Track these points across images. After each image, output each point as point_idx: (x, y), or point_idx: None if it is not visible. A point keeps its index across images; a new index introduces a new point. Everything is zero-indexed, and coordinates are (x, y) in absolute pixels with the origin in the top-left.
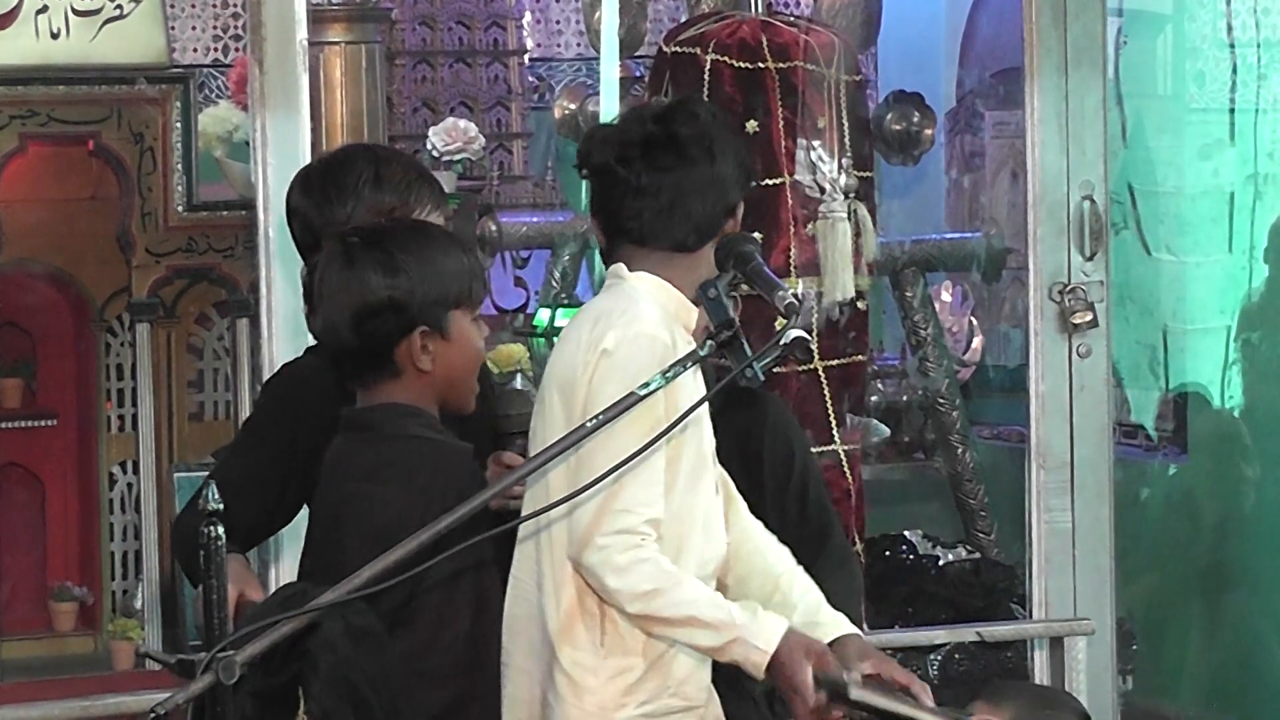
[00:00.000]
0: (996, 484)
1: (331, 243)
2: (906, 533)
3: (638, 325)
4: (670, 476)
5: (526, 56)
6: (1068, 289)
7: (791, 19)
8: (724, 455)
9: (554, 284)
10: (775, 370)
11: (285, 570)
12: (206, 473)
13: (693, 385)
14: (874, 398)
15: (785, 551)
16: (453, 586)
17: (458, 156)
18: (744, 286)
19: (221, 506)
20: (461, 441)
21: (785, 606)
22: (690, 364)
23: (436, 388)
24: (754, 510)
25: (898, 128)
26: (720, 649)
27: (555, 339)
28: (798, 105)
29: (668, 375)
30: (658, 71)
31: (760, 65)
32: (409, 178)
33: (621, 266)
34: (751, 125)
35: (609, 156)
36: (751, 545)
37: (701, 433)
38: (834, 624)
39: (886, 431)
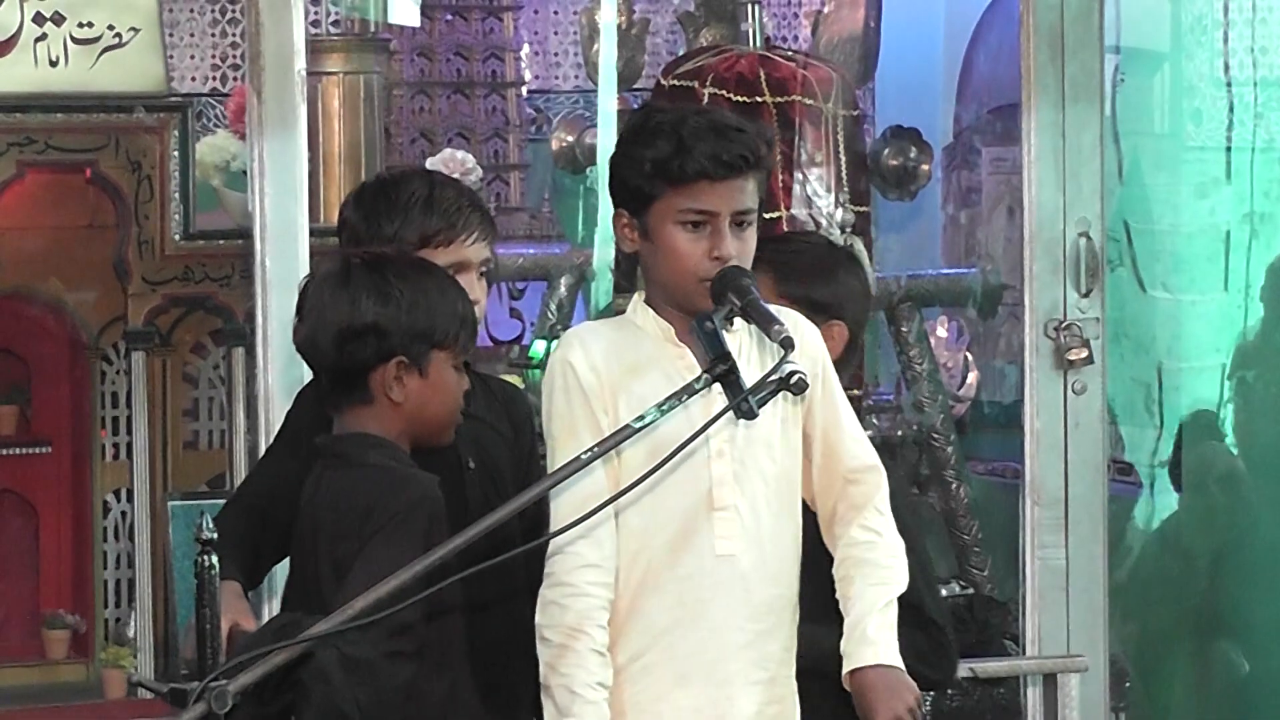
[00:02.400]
0: (990, 520)
1: (333, 259)
2: None
3: (557, 353)
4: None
5: (524, 88)
6: (1063, 325)
7: (789, 54)
8: None
9: (550, 315)
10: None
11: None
12: (200, 501)
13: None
14: (869, 433)
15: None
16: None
17: None
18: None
19: (217, 535)
20: (426, 473)
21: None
22: (686, 398)
23: (407, 421)
24: None
25: (894, 163)
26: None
27: None
28: (795, 139)
29: (663, 408)
30: None
31: (758, 99)
32: (460, 204)
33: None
34: None
35: None
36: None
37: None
38: (858, 654)
39: None
